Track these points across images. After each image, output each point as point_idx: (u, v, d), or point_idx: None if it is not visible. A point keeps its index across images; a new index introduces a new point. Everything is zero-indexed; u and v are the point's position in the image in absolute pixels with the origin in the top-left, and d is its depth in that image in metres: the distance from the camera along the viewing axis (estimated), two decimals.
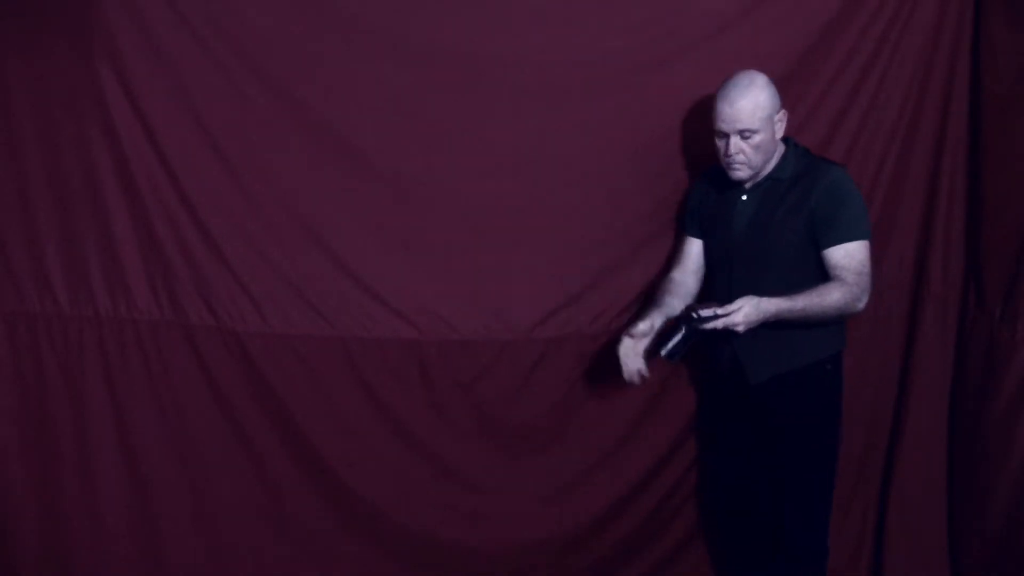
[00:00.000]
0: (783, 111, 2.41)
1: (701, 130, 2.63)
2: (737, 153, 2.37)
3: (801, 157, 2.46)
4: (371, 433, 2.72)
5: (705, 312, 2.28)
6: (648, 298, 2.66)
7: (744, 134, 2.35)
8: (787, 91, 2.58)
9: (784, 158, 2.45)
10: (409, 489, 2.76)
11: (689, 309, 2.32)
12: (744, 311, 2.25)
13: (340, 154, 2.61)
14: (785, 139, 2.46)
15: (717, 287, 2.52)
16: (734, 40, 2.61)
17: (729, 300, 2.30)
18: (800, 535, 2.52)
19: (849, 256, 2.36)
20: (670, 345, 2.33)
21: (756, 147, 2.37)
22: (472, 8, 2.56)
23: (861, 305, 2.37)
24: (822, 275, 2.38)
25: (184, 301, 2.64)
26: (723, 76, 2.57)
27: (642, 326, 2.44)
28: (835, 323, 2.43)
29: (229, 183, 2.61)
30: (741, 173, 2.41)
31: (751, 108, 2.34)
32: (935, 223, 2.73)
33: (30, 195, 2.58)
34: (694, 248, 2.61)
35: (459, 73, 2.57)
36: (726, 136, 2.37)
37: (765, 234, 2.42)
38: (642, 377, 2.47)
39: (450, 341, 2.67)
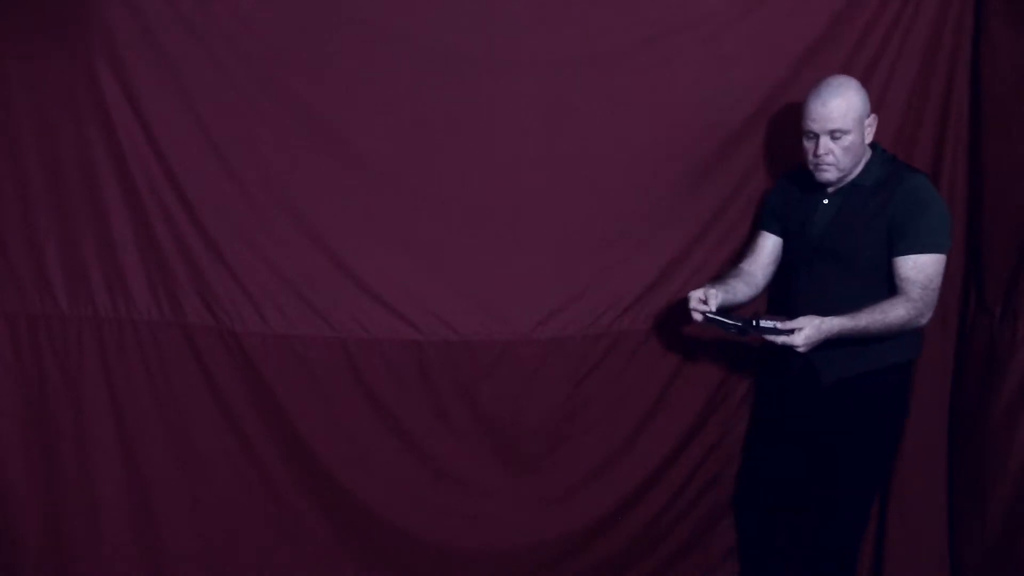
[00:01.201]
0: (873, 116, 2.41)
1: (701, 131, 2.65)
2: (826, 154, 2.36)
3: (886, 164, 2.44)
4: (370, 434, 2.72)
5: (766, 323, 2.29)
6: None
7: (835, 135, 2.34)
8: (789, 91, 2.61)
9: (869, 164, 2.44)
10: (408, 491, 2.75)
11: (755, 315, 2.33)
12: (805, 333, 2.25)
13: (340, 154, 2.61)
14: (872, 145, 2.45)
15: (793, 287, 2.53)
16: (736, 40, 2.61)
17: (804, 300, 2.33)
18: (840, 533, 2.54)
19: (917, 269, 2.34)
20: (720, 319, 2.36)
21: (846, 149, 2.36)
22: (473, 8, 2.56)
23: (924, 320, 2.37)
24: None
25: (183, 301, 2.65)
26: (724, 76, 2.61)
27: (711, 289, 2.41)
28: (910, 331, 2.41)
29: (228, 183, 2.61)
30: (829, 175, 2.40)
31: (844, 109, 2.33)
32: None
33: (30, 195, 2.59)
34: (768, 243, 2.62)
35: (460, 74, 2.58)
36: (816, 136, 2.36)
37: (844, 239, 2.41)
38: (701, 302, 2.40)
39: (450, 342, 2.67)
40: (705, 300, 2.38)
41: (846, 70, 2.59)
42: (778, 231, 2.61)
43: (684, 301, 2.44)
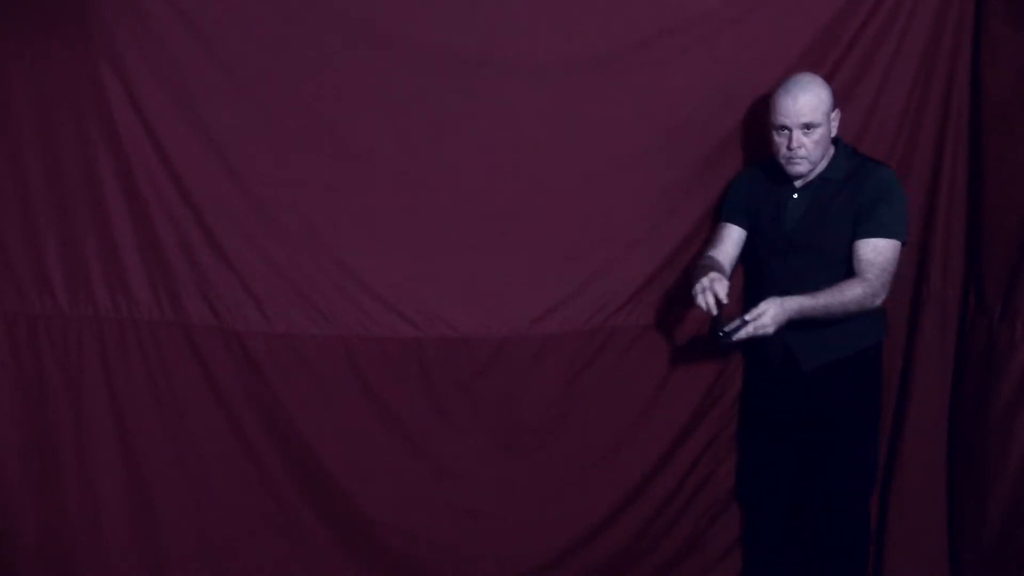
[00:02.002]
0: (837, 111, 2.47)
1: (697, 131, 2.67)
2: (799, 147, 2.43)
3: (850, 157, 2.52)
4: (370, 433, 2.72)
5: (731, 327, 2.33)
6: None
7: (806, 128, 2.41)
8: None
9: (835, 159, 2.51)
10: (408, 489, 2.76)
11: (715, 327, 2.35)
12: (771, 313, 2.32)
13: (341, 154, 2.61)
14: (835, 140, 2.51)
15: (767, 281, 2.57)
16: (732, 41, 2.62)
17: (780, 294, 2.38)
18: (848, 519, 2.59)
19: (876, 252, 2.42)
20: (722, 330, 2.34)
21: (816, 142, 2.44)
22: (472, 10, 2.57)
23: (878, 301, 2.45)
24: None
25: (185, 301, 2.64)
26: (718, 78, 2.63)
27: (725, 281, 2.40)
28: (877, 313, 2.52)
29: (230, 182, 2.61)
30: (801, 168, 2.47)
31: (814, 103, 2.41)
32: (935, 223, 2.73)
33: (30, 195, 2.58)
34: (734, 234, 2.66)
35: (459, 75, 2.58)
36: (788, 131, 2.43)
37: (817, 232, 2.49)
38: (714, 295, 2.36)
39: (450, 339, 2.68)
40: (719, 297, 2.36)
41: (839, 70, 2.62)
42: (744, 224, 2.65)
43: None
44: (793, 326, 2.41)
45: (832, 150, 2.52)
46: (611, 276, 2.72)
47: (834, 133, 2.49)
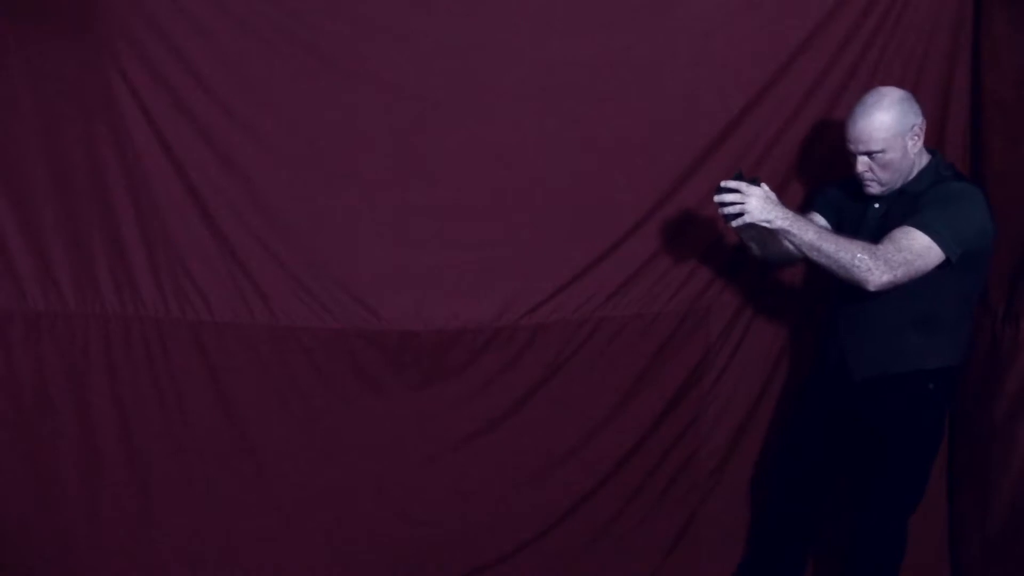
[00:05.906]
0: (918, 126, 2.34)
1: (688, 129, 2.69)
2: (866, 171, 2.35)
3: (941, 171, 2.40)
4: (370, 422, 2.75)
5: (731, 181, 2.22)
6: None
7: (870, 154, 2.33)
8: (775, 91, 2.65)
9: (924, 170, 2.39)
10: (405, 474, 2.78)
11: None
12: (763, 191, 2.21)
13: (340, 150, 2.64)
14: (932, 152, 2.43)
15: (840, 286, 2.42)
16: (725, 42, 2.64)
17: (849, 299, 2.34)
18: (876, 543, 2.49)
19: (904, 234, 2.25)
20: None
21: (884, 166, 2.33)
22: (468, 6, 2.59)
23: (872, 279, 2.22)
24: (942, 283, 2.30)
25: (192, 297, 2.67)
26: (707, 79, 2.65)
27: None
28: (952, 333, 2.38)
29: (235, 180, 2.64)
30: (872, 189, 2.39)
31: (870, 130, 2.30)
32: None
33: (36, 194, 2.60)
34: (819, 221, 2.54)
35: (455, 73, 2.61)
36: (855, 155, 2.35)
37: None
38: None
39: (446, 331, 2.71)
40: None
41: (833, 70, 2.63)
42: (830, 219, 2.57)
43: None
44: (851, 332, 2.38)
45: (925, 160, 2.40)
46: (600, 268, 2.75)
47: (915, 149, 2.35)
